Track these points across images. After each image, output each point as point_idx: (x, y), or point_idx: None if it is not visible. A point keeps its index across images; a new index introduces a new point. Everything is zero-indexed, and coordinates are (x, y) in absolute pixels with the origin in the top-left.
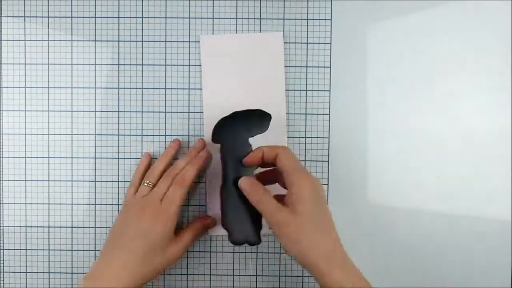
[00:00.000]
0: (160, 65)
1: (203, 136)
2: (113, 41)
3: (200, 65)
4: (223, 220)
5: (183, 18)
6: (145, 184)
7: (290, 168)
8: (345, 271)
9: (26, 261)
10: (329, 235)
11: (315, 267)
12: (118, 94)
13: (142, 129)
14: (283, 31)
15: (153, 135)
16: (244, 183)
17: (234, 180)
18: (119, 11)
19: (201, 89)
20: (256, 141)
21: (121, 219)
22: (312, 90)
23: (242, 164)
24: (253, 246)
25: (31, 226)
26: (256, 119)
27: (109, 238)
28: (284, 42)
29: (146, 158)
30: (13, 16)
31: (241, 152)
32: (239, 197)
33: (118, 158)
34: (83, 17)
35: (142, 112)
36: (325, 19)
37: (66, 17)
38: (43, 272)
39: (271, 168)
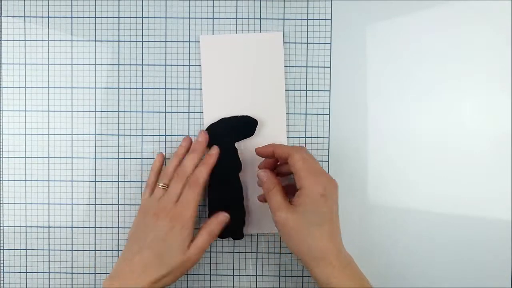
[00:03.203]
0: (160, 65)
1: None
2: (113, 41)
3: (200, 65)
4: (209, 216)
5: (183, 18)
6: (160, 186)
7: (299, 171)
8: (339, 272)
9: (26, 261)
10: (327, 238)
11: (309, 266)
12: (118, 94)
13: (142, 129)
14: (283, 31)
15: (153, 135)
16: (262, 175)
17: (219, 181)
18: (119, 11)
19: (201, 89)
20: (256, 139)
21: (139, 223)
22: (312, 90)
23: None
24: (253, 246)
25: (31, 226)
26: (242, 125)
27: (128, 241)
28: (284, 42)
29: (160, 158)
30: (13, 16)
31: (227, 156)
32: (224, 196)
33: (118, 158)
34: (83, 17)
35: (142, 112)
36: (325, 19)
37: (66, 17)
38: (43, 272)
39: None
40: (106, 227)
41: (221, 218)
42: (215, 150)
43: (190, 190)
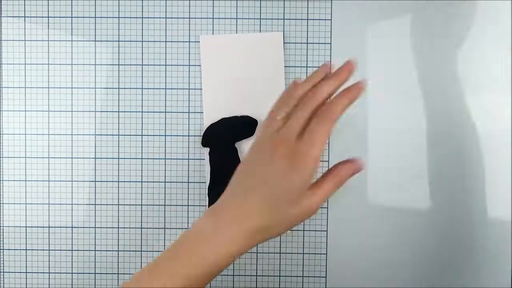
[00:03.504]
0: (160, 65)
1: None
2: (113, 41)
3: (200, 65)
4: None
5: (183, 18)
6: (278, 118)
7: None
8: None
9: (26, 261)
10: None
11: None
12: (118, 94)
13: (142, 129)
14: (283, 31)
15: (153, 135)
16: None
17: (219, 182)
18: (119, 11)
19: (201, 89)
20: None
21: (250, 159)
22: None
23: None
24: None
25: (31, 226)
26: (242, 125)
27: (233, 179)
28: (284, 42)
29: (295, 85)
30: (13, 16)
31: (227, 156)
32: None
33: (118, 158)
34: (83, 17)
35: (142, 112)
36: (325, 19)
37: (66, 17)
38: (43, 272)
39: None
40: (106, 227)
41: (356, 166)
42: (362, 84)
43: (319, 125)
